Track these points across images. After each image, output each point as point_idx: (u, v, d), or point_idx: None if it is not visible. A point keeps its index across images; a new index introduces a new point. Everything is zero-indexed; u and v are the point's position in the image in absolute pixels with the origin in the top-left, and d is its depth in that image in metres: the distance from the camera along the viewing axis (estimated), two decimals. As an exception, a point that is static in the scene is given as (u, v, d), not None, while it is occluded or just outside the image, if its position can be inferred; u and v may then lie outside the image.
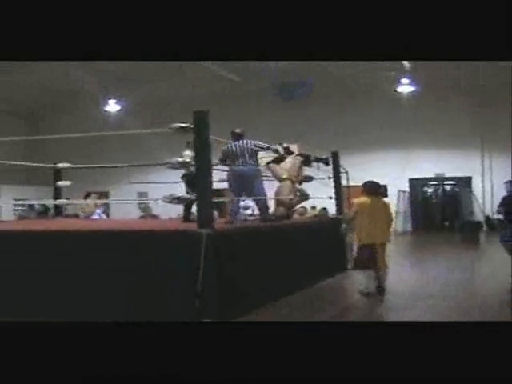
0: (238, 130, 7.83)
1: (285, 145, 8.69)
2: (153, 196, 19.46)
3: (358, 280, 7.58)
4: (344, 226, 8.23)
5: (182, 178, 8.06)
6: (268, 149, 8.06)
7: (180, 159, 6.25)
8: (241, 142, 7.67)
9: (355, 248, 7.33)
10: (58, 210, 10.93)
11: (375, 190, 7.54)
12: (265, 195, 7.95)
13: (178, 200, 6.23)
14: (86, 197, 12.16)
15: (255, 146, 7.68)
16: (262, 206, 7.91)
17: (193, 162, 6.02)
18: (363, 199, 7.35)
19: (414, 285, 8.07)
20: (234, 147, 7.62)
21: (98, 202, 11.38)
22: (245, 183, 7.66)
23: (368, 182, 7.53)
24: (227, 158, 7.68)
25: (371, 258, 7.07)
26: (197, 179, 5.92)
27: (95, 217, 11.47)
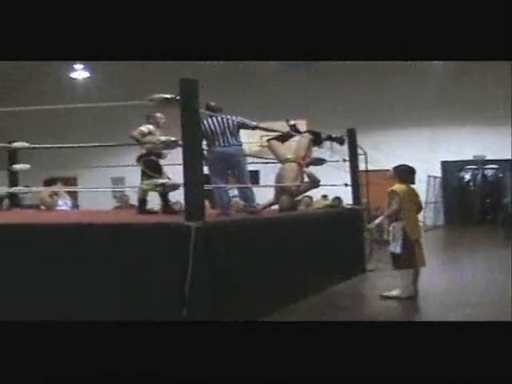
0: (213, 104, 7.76)
1: (292, 121, 8.67)
2: (130, 182, 19.41)
3: (380, 283, 7.61)
4: (377, 221, 8.16)
5: (138, 160, 8.02)
6: (255, 128, 8.07)
7: (163, 137, 6.24)
8: (219, 117, 7.59)
9: (397, 244, 7.36)
10: (15, 200, 10.80)
11: (411, 175, 7.78)
12: (249, 181, 7.92)
13: (161, 187, 6.25)
14: (48, 184, 11.77)
15: (238, 122, 7.67)
16: (249, 194, 7.85)
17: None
18: (403, 187, 7.60)
19: (448, 290, 8.10)
20: (212, 124, 7.54)
21: (63, 189, 11.23)
22: (230, 166, 7.66)
23: (401, 165, 7.81)
24: (204, 137, 7.48)
25: (415, 256, 7.41)
26: (184, 162, 5.93)
27: (61, 208, 11.39)
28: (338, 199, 14.41)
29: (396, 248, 7.37)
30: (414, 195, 7.73)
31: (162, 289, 5.72)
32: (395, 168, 7.78)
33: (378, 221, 7.69)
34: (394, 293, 7.44)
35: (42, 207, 11.05)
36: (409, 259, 7.39)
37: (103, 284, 5.88)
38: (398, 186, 7.59)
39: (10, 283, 6.06)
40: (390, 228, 7.45)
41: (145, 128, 7.85)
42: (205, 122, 7.50)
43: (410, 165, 7.84)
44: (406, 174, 7.72)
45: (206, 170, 7.78)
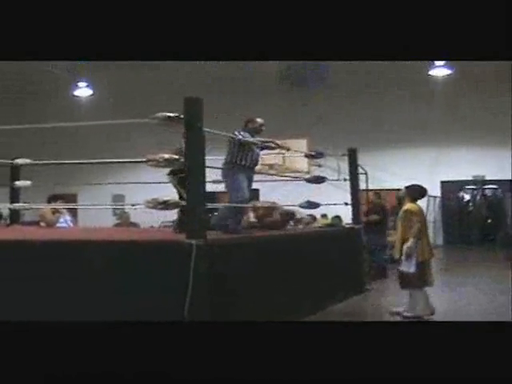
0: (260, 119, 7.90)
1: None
2: (131, 200, 19.43)
3: (380, 302, 7.60)
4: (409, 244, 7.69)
5: (169, 174, 7.92)
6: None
7: (166, 155, 6.25)
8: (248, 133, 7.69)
9: (411, 263, 7.37)
10: (15, 216, 10.81)
11: (422, 195, 7.96)
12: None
13: (163, 205, 6.24)
14: (51, 201, 11.85)
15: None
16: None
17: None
18: (417, 206, 7.72)
19: (446, 313, 8.07)
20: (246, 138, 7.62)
21: (63, 206, 11.22)
22: (250, 186, 7.76)
23: (414, 185, 7.93)
24: (241, 152, 7.60)
25: (427, 275, 7.56)
26: (188, 180, 5.97)
27: (61, 225, 11.39)
28: (337, 218, 14.41)
29: (410, 268, 7.37)
30: (424, 215, 7.88)
31: (162, 306, 5.72)
32: (408, 187, 7.86)
33: (410, 244, 7.37)
34: (416, 313, 7.47)
35: (42, 224, 11.04)
36: (421, 278, 7.43)
37: (104, 301, 5.89)
38: (412, 206, 7.66)
39: (6, 299, 6.08)
40: (404, 248, 7.41)
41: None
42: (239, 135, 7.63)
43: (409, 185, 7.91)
44: (417, 193, 7.85)
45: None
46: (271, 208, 9.06)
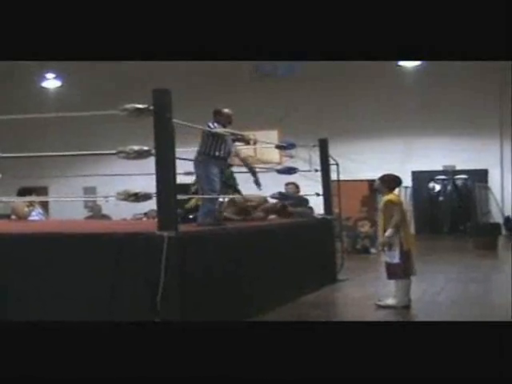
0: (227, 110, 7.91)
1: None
2: (102, 192, 19.32)
3: (352, 293, 7.63)
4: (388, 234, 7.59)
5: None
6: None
7: (136, 147, 6.22)
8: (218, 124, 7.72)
9: (394, 254, 7.40)
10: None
11: (397, 184, 7.92)
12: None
13: (134, 197, 6.22)
14: (22, 193, 11.69)
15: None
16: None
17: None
18: (396, 196, 7.76)
19: (417, 301, 8.11)
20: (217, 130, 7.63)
21: (33, 199, 11.08)
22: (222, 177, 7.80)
23: (387, 174, 7.86)
24: (213, 144, 7.63)
25: (410, 265, 7.48)
26: (157, 171, 5.95)
27: (33, 218, 11.29)
28: (309, 208, 14.43)
29: (393, 258, 7.40)
30: (403, 205, 7.84)
31: (133, 298, 5.72)
32: (382, 178, 7.78)
33: (388, 233, 7.35)
34: (390, 302, 7.47)
35: (13, 217, 10.93)
36: (405, 269, 7.41)
37: (75, 293, 5.88)
38: (392, 196, 7.65)
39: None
40: (384, 238, 7.41)
41: None
42: (211, 126, 7.65)
43: (379, 175, 7.90)
44: (393, 183, 7.78)
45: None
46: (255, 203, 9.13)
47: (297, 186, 11.44)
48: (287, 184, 11.35)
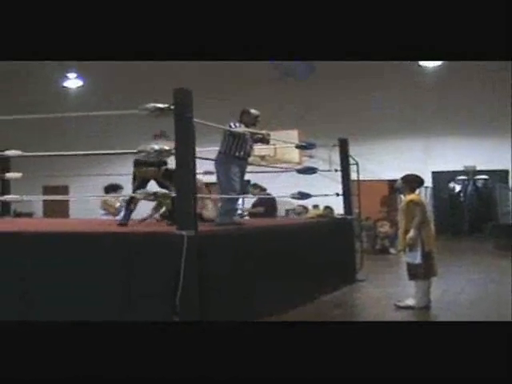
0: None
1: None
2: (124, 191, 19.29)
3: (372, 293, 7.58)
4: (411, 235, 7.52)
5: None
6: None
7: (157, 146, 6.23)
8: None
9: (416, 255, 7.35)
10: (6, 209, 10.78)
11: (420, 184, 7.86)
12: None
13: (154, 196, 6.25)
14: (108, 190, 11.69)
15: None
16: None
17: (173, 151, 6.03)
18: (418, 197, 7.72)
19: (437, 301, 8.05)
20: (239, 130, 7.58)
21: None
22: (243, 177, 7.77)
23: (410, 175, 7.80)
24: (236, 143, 7.59)
25: (431, 265, 7.42)
26: (177, 171, 5.95)
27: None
28: (329, 209, 14.41)
29: (415, 259, 7.35)
30: (425, 205, 7.76)
31: (153, 297, 5.72)
32: (404, 178, 7.73)
33: (412, 234, 7.29)
34: (409, 303, 7.42)
35: (102, 212, 11.01)
36: (426, 269, 7.36)
37: (92, 293, 5.89)
38: (414, 196, 7.61)
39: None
40: (407, 238, 7.33)
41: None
42: (233, 126, 7.60)
43: (399, 176, 7.86)
44: (415, 183, 7.74)
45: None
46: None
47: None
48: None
